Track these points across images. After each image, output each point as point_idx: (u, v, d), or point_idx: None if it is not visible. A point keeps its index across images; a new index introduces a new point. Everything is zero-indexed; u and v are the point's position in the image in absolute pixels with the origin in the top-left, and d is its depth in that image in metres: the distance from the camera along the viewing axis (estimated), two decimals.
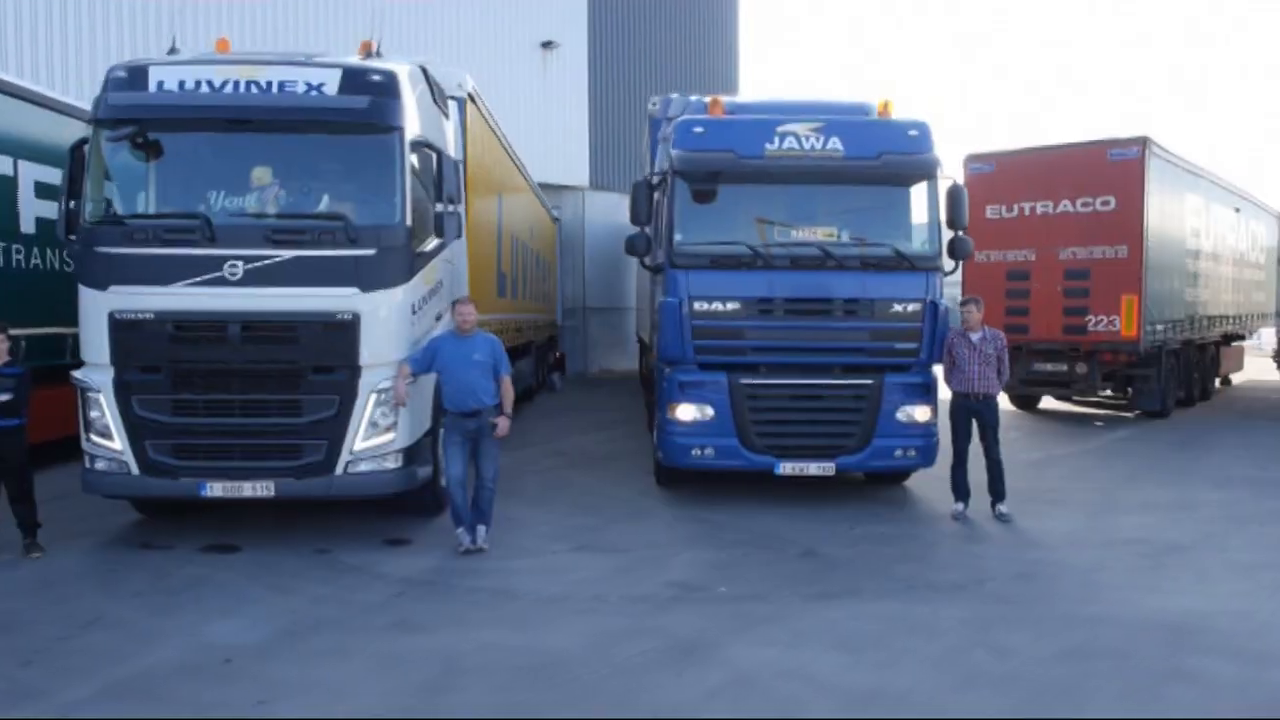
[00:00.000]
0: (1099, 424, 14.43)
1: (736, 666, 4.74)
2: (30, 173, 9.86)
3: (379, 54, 7.70)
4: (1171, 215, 14.45)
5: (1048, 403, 16.20)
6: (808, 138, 8.12)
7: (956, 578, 6.36)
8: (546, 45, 22.95)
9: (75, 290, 10.35)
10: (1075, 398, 16.09)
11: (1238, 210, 18.51)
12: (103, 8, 15.24)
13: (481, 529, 6.92)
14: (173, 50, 7.60)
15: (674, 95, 10.52)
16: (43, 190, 10.08)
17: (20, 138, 9.74)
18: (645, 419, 13.86)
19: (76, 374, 6.88)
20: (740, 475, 8.56)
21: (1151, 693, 4.48)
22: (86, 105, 11.30)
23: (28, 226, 9.82)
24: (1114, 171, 13.34)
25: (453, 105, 9.06)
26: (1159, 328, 13.90)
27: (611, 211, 24.21)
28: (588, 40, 24.05)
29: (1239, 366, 21.13)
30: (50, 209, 10.18)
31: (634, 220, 8.46)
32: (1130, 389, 14.75)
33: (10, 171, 9.56)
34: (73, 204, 6.89)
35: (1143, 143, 13.21)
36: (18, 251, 9.67)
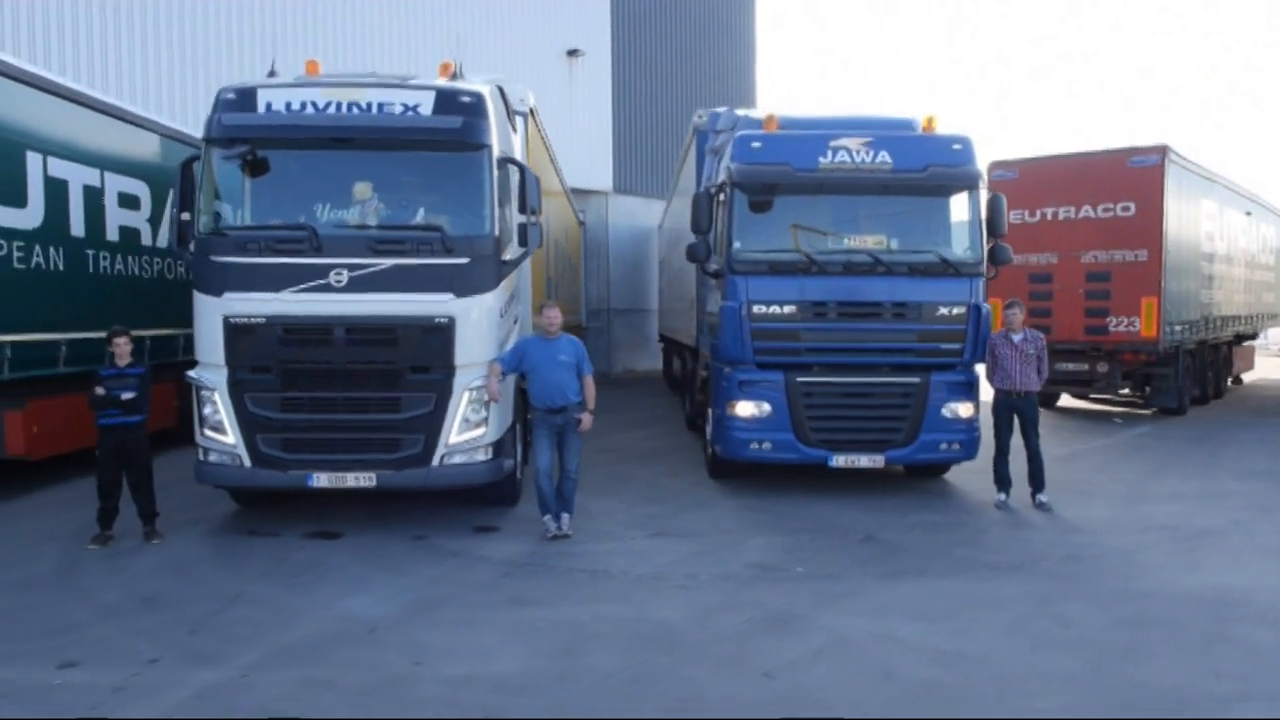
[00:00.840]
0: (1118, 421, 14.98)
1: (830, 632, 5.29)
2: (114, 184, 10.43)
3: (460, 75, 8.27)
4: (1188, 220, 15.00)
5: (1065, 400, 16.75)
6: (858, 151, 8.68)
7: (1010, 559, 6.91)
8: (572, 54, 23.52)
9: (151, 294, 11.03)
10: (1092, 396, 16.63)
11: (1249, 213, 19.06)
12: (166, 27, 15.82)
13: (565, 516, 7.48)
14: (272, 73, 8.18)
15: (721, 109, 11.08)
16: (125, 200, 10.67)
17: (106, 151, 10.30)
18: (682, 417, 14.46)
19: (191, 373, 7.44)
20: (791, 468, 9.13)
21: (1202, 654, 5.03)
22: (159, 118, 11.93)
23: (112, 234, 10.38)
24: (1134, 178, 13.90)
25: (518, 119, 9.62)
26: (1177, 328, 14.45)
27: (634, 215, 24.79)
28: (611, 49, 24.62)
29: (1250, 365, 21.68)
30: (130, 218, 10.82)
31: (695, 229, 9.03)
32: (1148, 387, 15.30)
33: (97, 183, 10.12)
34: (185, 216, 7.47)
35: (1162, 150, 13.77)
36: (104, 258, 10.23)
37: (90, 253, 9.98)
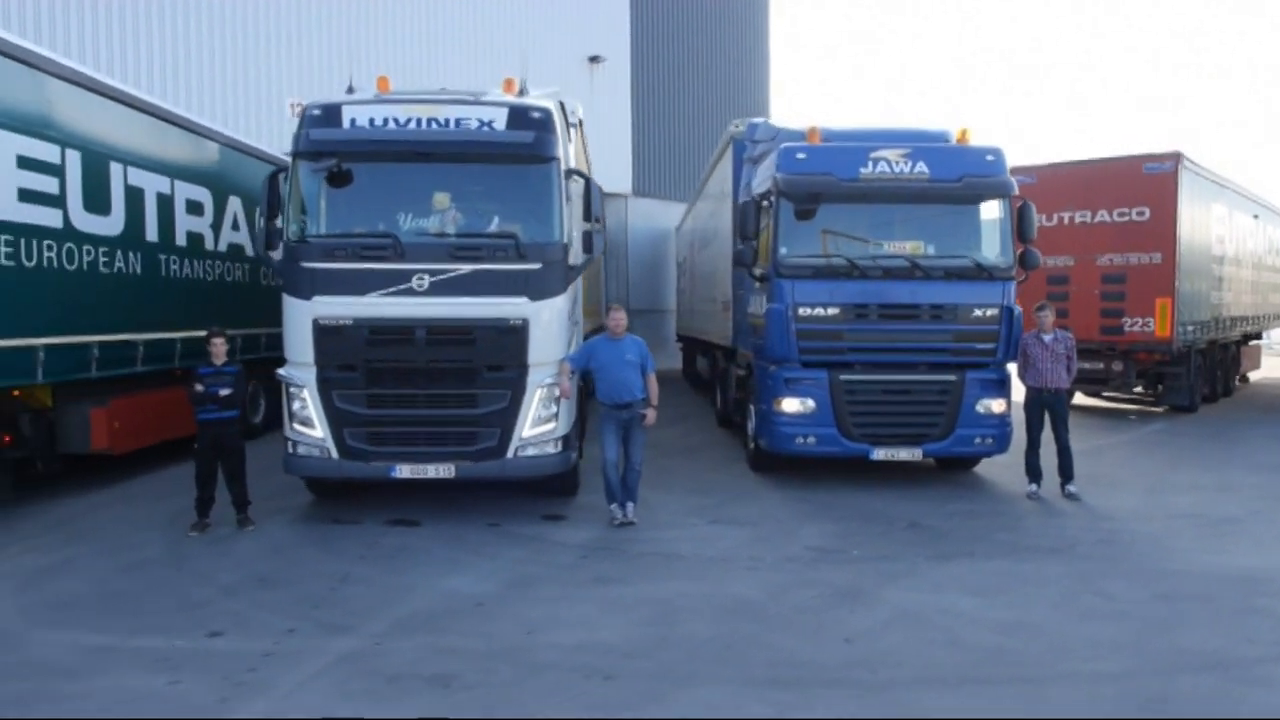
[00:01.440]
0: (1132, 418, 15.50)
1: (895, 605, 5.82)
2: (182, 191, 10.95)
3: (525, 90, 8.80)
4: (1200, 224, 15.53)
5: (1079, 398, 17.27)
6: (897, 162, 9.21)
7: (1049, 543, 7.43)
8: (594, 60, 24.05)
9: (211, 296, 11.54)
10: (1105, 393, 17.15)
11: (1256, 217, 19.58)
12: (234, 43, 16.35)
13: (630, 505, 8.01)
14: (350, 90, 8.69)
15: (758, 120, 11.60)
16: (191, 206, 11.19)
17: (175, 160, 10.82)
18: (711, 414, 15.00)
19: (281, 371, 7.96)
20: (828, 461, 9.66)
21: (1236, 624, 5.55)
22: (218, 127, 12.43)
23: (180, 240, 10.90)
24: (1149, 184, 14.42)
25: (571, 130, 10.13)
26: (1189, 328, 14.97)
27: (652, 217, 25.29)
28: (630, 55, 25.15)
29: (1256, 365, 22.21)
30: (195, 223, 11.34)
31: (742, 235, 9.55)
32: (1160, 386, 15.83)
33: (168, 190, 10.64)
34: (272, 225, 8.00)
35: (1176, 158, 14.29)
36: (173, 262, 10.75)
37: (162, 257, 10.49)
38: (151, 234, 10.26)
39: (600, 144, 24.15)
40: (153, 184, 10.31)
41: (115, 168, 9.57)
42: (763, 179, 9.97)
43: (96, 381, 9.33)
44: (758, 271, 9.63)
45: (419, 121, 7.84)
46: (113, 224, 9.52)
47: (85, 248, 9.03)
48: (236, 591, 6.14)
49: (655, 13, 25.96)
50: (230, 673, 4.74)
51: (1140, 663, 4.93)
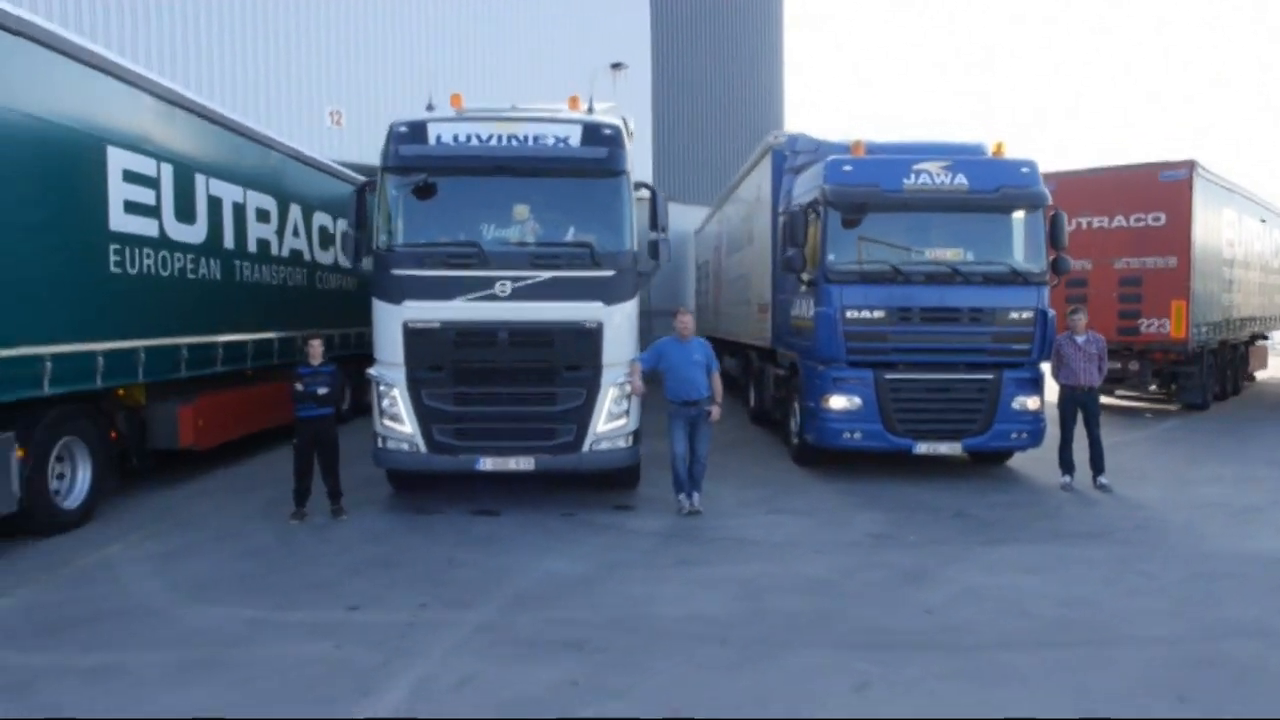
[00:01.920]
0: (1148, 416, 16.11)
1: (960, 583, 6.42)
2: (252, 200, 11.53)
3: (591, 108, 9.40)
4: (1212, 228, 16.14)
5: None
6: (938, 174, 9.80)
7: (1088, 529, 8.04)
8: (616, 67, 24.65)
9: (276, 299, 12.12)
10: (1118, 392, 17.76)
11: (1263, 221, 20.20)
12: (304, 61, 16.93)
13: (696, 495, 8.61)
14: (430, 107, 9.26)
15: (797, 133, 12.19)
16: (260, 214, 11.77)
17: (246, 170, 11.40)
18: (743, 412, 15.57)
19: (372, 370, 8.55)
20: (869, 455, 10.26)
21: (1269, 598, 6.15)
22: (279, 136, 12.98)
23: (251, 246, 11.48)
24: (1165, 191, 15.04)
25: None
26: (1203, 329, 15.59)
27: (673, 220, 25.91)
28: (651, 63, 25.76)
29: (1263, 364, 22.85)
30: (263, 230, 11.92)
31: (791, 242, 10.14)
32: (1174, 385, 16.44)
33: (241, 199, 11.22)
34: (360, 235, 8.59)
35: (1191, 165, 14.90)
36: (245, 267, 11.33)
37: (236, 263, 11.08)
38: (228, 241, 10.84)
39: None
40: (229, 194, 10.89)
41: (199, 179, 10.15)
42: (808, 189, 10.55)
43: (182, 381, 9.91)
44: (805, 277, 10.21)
45: (500, 138, 8.43)
46: (197, 232, 10.09)
47: (176, 255, 9.60)
48: (359, 572, 6.72)
49: (674, 23, 26.57)
50: (383, 640, 5.33)
51: (1189, 630, 5.53)
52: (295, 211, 12.91)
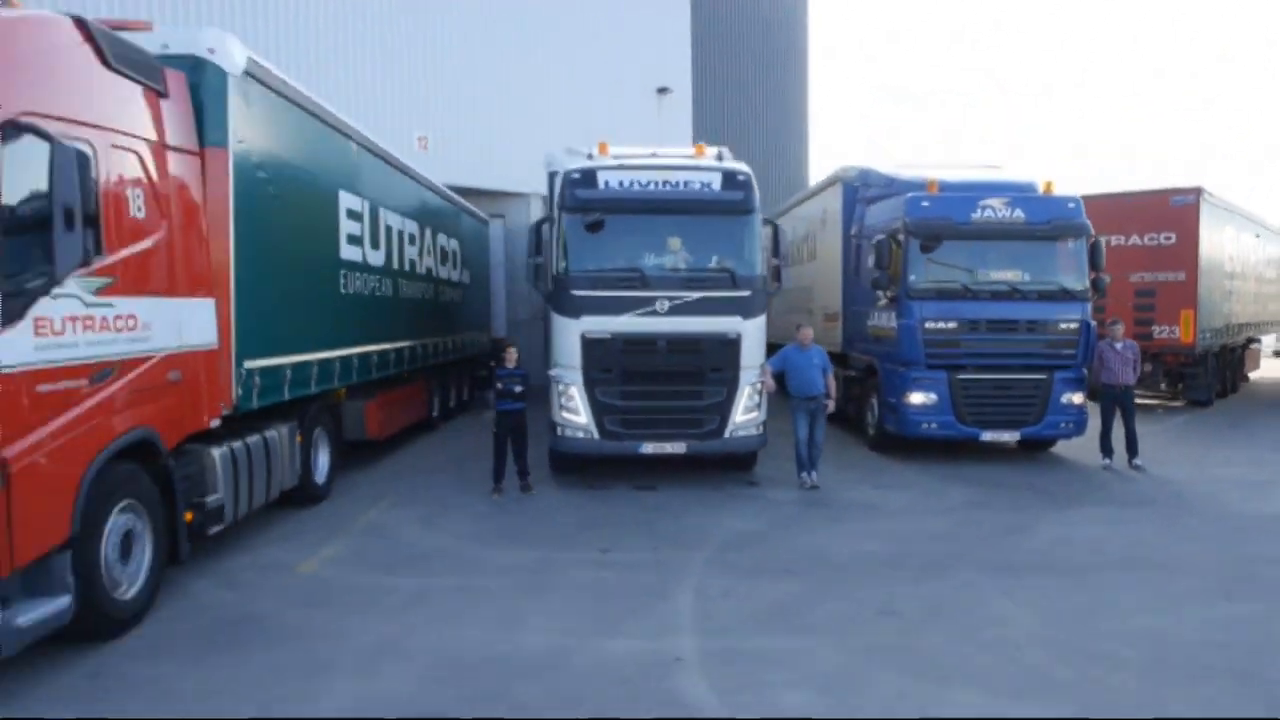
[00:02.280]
0: (1160, 411, 18.23)
1: (1047, 534, 8.43)
2: (407, 227, 13.45)
3: (721, 156, 11.38)
4: (1215, 245, 18.27)
5: None
6: (1000, 209, 11.84)
7: (1134, 498, 10.08)
8: (662, 91, 26.61)
9: (422, 312, 14.03)
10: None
11: (1258, 236, 22.39)
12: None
13: (814, 473, 10.60)
14: (590, 156, 11.19)
15: (869, 168, 14.23)
16: (410, 239, 13.69)
17: (403, 202, 13.32)
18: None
19: (553, 371, 10.50)
20: (933, 444, 12.29)
21: None
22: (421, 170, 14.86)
23: (406, 266, 13.40)
24: (1175, 214, 17.16)
25: None
26: (1207, 334, 17.71)
27: None
28: (692, 87, 27.73)
29: (1256, 365, 25.07)
30: (412, 252, 13.82)
31: (878, 265, 12.15)
32: (1181, 384, 18.58)
33: (400, 227, 13.14)
34: (537, 262, 10.56)
35: (1198, 191, 17.03)
36: (404, 285, 13.26)
37: (400, 282, 13.02)
38: (395, 264, 12.78)
39: None
40: (395, 223, 12.83)
41: (384, 213, 12.09)
42: (888, 219, 12.55)
43: (364, 383, 11.78)
44: (889, 294, 12.23)
45: (656, 183, 10.42)
46: (380, 256, 12.02)
47: (370, 277, 11.54)
48: (584, 528, 8.68)
49: (711, 49, 28.57)
50: (646, 569, 7.29)
51: (1227, 560, 7.57)
52: (428, 233, 14.85)
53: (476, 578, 7.12)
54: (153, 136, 6.48)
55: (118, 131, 6.03)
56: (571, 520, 9.03)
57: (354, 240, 10.88)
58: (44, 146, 5.05)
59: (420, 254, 14.37)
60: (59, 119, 5.35)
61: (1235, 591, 6.76)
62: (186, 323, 6.83)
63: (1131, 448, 11.81)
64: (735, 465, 11.38)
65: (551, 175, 11.45)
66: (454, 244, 16.74)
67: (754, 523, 8.91)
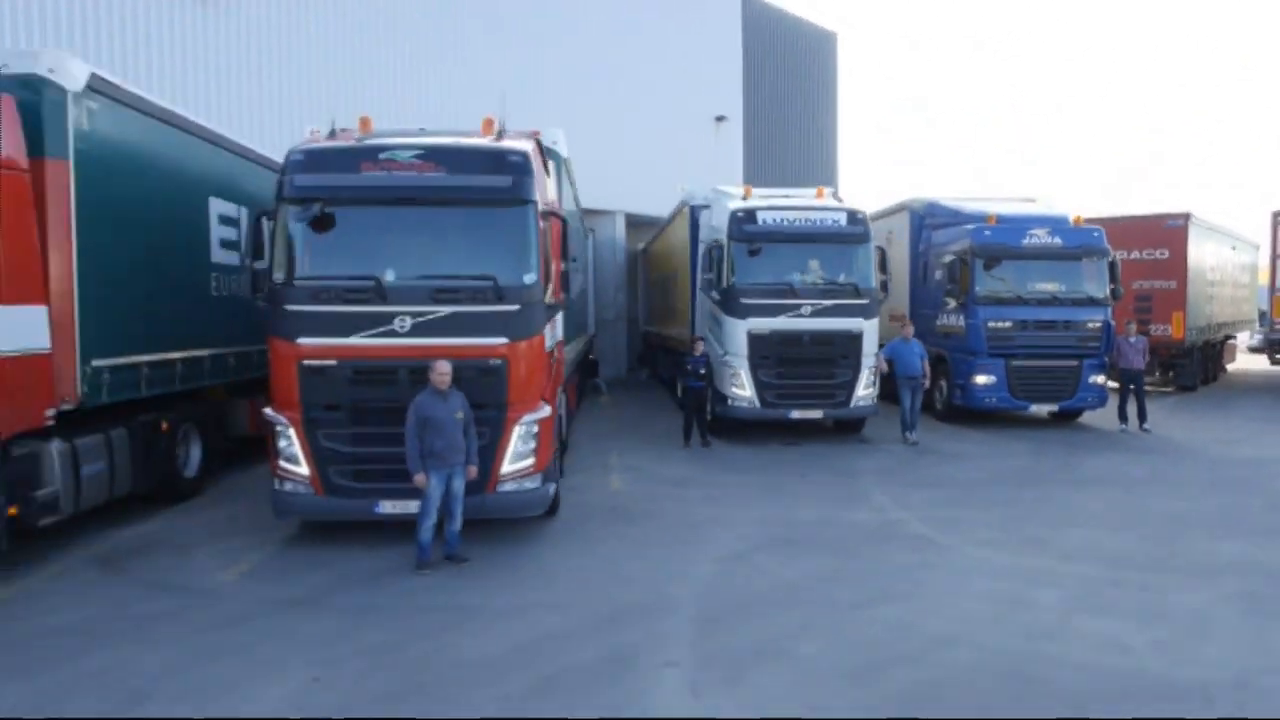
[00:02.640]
0: (1154, 395, 22.25)
1: (1093, 467, 12.34)
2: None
3: (837, 196, 15.24)
4: (1199, 258, 22.30)
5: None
6: (1044, 236, 15.76)
7: (1146, 449, 14.01)
8: (719, 119, 30.43)
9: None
10: None
11: (1234, 248, 26.50)
12: None
13: (914, 432, 14.47)
14: (743, 198, 14.98)
15: (936, 200, 18.13)
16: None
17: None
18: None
19: (725, 357, 14.28)
20: (987, 414, 16.22)
21: (1254, 469, 12.12)
22: None
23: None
24: (1167, 234, 21.17)
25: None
26: (1193, 331, 21.74)
27: None
28: (743, 115, 31.55)
29: (1233, 358, 29.23)
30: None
31: (950, 279, 16.04)
32: (1171, 372, 22.63)
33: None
34: (717, 276, 14.36)
35: (1186, 216, 21.06)
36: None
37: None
38: None
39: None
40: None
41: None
42: (955, 243, 16.41)
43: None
44: (958, 301, 16.10)
45: (804, 220, 14.23)
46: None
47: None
48: (773, 464, 12.49)
49: (759, 81, 32.39)
50: (838, 485, 11.11)
51: (1214, 479, 11.52)
52: None
53: (733, 488, 10.93)
54: None
55: None
56: (758, 461, 12.85)
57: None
58: None
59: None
60: None
61: (1218, 492, 10.71)
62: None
63: (1141, 416, 15.77)
64: (850, 429, 15.24)
65: (692, 207, 15.65)
66: None
67: (886, 462, 12.77)
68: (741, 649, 5.90)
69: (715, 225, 15.00)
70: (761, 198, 14.99)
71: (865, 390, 14.38)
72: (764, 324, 14.07)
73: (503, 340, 8.18)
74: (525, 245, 8.31)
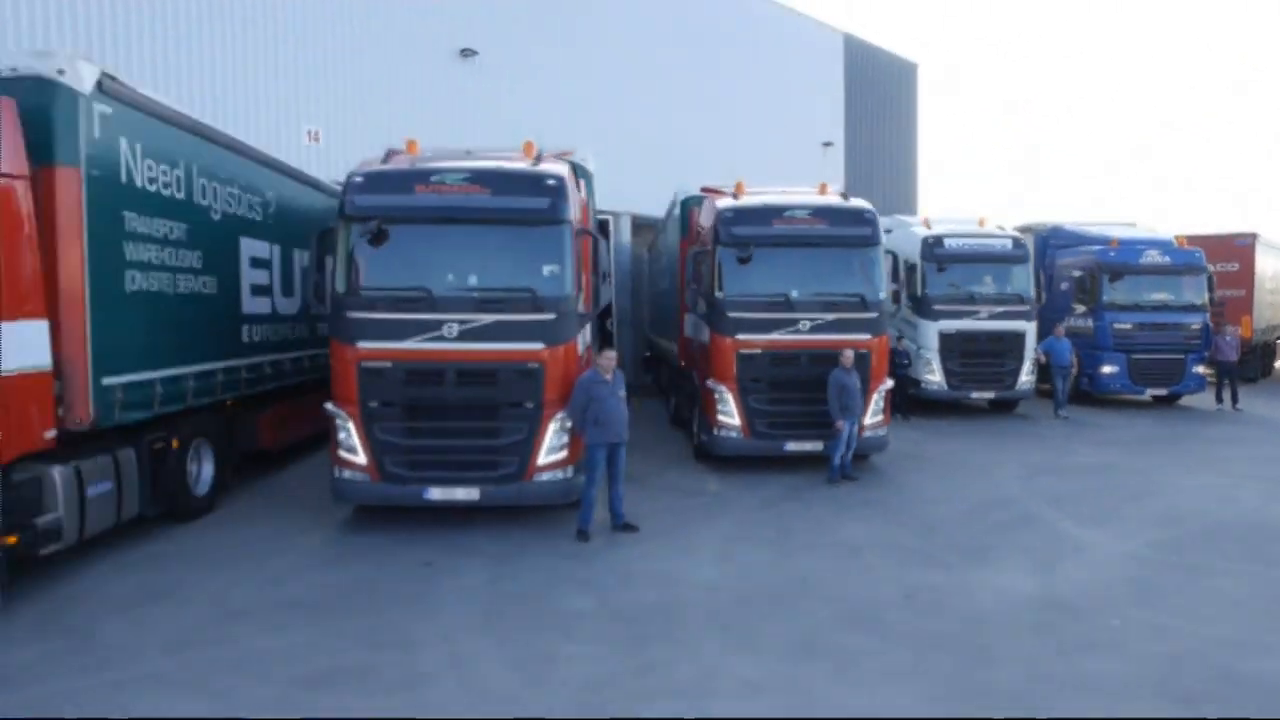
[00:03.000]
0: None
1: (1212, 431, 16.61)
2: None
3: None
4: (1262, 270, 26.49)
5: None
6: (1156, 256, 20.03)
7: (1243, 422, 18.25)
8: (827, 145, 34.65)
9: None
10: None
11: None
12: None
13: (1064, 409, 18.71)
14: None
15: (1060, 224, 22.40)
16: None
17: None
18: None
19: (913, 345, 18.53)
20: (1109, 398, 20.46)
21: None
22: None
23: None
24: (1237, 250, 25.38)
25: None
26: (1258, 332, 25.95)
27: None
28: (844, 141, 35.75)
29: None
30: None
31: (1081, 290, 20.30)
32: (1240, 365, 26.85)
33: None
34: (911, 293, 18.64)
35: (1254, 236, 25.30)
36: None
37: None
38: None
39: None
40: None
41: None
42: (1082, 261, 20.66)
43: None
44: (1089, 307, 20.32)
45: (980, 245, 18.47)
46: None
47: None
48: (971, 435, 16.73)
49: (855, 108, 36.59)
50: (1056, 451, 15.36)
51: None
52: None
53: (974, 445, 15.19)
54: None
55: None
56: (958, 430, 17.11)
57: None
58: None
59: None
60: None
61: None
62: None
63: (1234, 398, 20.04)
64: (1007, 408, 19.46)
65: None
66: None
67: (1059, 429, 17.06)
68: (1087, 515, 10.17)
69: (905, 249, 19.18)
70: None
71: (1026, 376, 18.55)
72: (952, 325, 18.30)
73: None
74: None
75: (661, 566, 8.25)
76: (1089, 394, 20.32)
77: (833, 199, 13.08)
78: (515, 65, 23.37)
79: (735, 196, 12.93)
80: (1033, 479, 12.25)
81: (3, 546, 6.63)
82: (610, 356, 9.14)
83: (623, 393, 9.10)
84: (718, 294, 12.20)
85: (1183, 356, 20.05)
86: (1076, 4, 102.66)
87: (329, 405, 9.13)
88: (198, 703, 5.56)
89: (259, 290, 11.52)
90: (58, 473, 7.23)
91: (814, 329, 12.09)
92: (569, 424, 9.06)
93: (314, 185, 14.04)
